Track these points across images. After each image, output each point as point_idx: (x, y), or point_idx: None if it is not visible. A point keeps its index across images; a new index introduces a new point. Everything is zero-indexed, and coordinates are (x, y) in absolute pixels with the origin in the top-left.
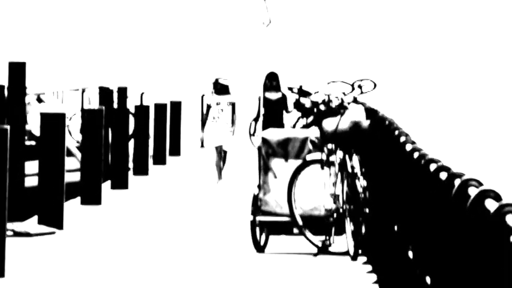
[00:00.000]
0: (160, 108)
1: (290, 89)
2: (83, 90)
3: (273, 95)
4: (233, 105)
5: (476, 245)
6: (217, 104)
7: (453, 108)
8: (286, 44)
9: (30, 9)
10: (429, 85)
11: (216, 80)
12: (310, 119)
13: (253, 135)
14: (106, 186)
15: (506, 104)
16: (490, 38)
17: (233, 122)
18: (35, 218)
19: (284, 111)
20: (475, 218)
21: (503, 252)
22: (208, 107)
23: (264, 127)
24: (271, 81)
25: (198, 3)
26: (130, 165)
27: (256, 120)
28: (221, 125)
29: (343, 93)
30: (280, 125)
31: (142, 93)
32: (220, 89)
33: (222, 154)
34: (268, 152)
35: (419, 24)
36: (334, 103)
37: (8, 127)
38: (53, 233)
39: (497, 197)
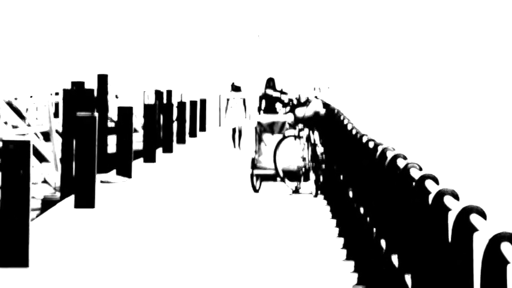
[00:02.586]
0: (193, 103)
1: (276, 90)
2: (144, 92)
3: (271, 92)
4: (244, 100)
5: (390, 188)
6: (233, 98)
7: (385, 102)
8: (278, 60)
9: (111, 41)
10: (370, 89)
11: (233, 82)
12: (288, 109)
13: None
14: (159, 151)
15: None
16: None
17: (246, 112)
18: (114, 171)
19: (278, 103)
20: (390, 171)
21: (408, 195)
22: (227, 100)
23: (265, 113)
24: (270, 83)
25: (219, 37)
26: (174, 137)
27: (259, 109)
28: (236, 112)
29: (308, 93)
30: (275, 111)
31: (182, 93)
32: (235, 88)
33: (238, 131)
34: (261, 129)
35: (377, 49)
36: (303, 99)
37: (97, 115)
38: (125, 181)
39: (404, 157)
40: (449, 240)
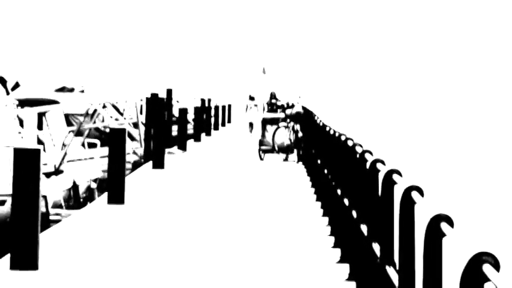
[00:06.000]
0: (223, 107)
1: (275, 99)
2: (194, 99)
3: (273, 100)
4: (256, 105)
5: (343, 159)
6: (250, 104)
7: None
8: (276, 81)
9: (176, 68)
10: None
11: (250, 94)
12: (281, 110)
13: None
14: (203, 135)
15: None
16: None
17: (258, 112)
18: (176, 147)
19: (276, 106)
20: (343, 148)
21: (352, 164)
22: (247, 106)
23: (268, 112)
24: (272, 94)
25: (242, 69)
26: (212, 126)
27: (264, 110)
28: (252, 113)
29: (293, 100)
30: (274, 111)
31: (217, 100)
32: (251, 98)
33: (251, 124)
34: (265, 122)
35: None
36: (290, 103)
37: (166, 113)
38: (183, 152)
39: (352, 140)
40: (379, 194)
